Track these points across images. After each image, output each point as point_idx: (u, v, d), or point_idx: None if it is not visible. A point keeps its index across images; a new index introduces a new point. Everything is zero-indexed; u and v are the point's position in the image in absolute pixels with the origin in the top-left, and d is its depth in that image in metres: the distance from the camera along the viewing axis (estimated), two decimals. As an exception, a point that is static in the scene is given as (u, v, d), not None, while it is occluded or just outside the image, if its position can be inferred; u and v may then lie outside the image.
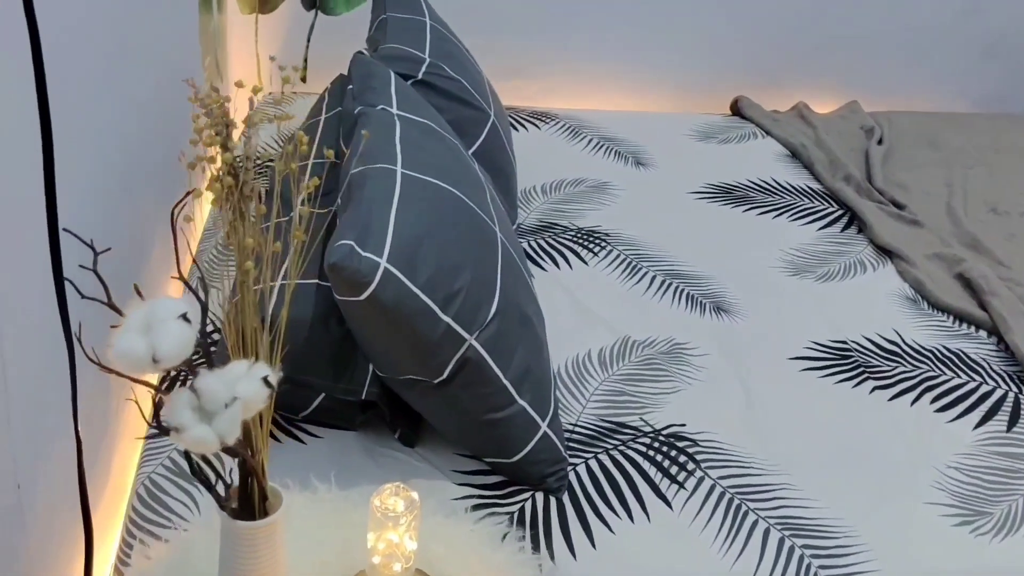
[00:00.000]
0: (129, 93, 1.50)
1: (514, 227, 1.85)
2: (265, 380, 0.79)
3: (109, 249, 0.84)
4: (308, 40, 2.53)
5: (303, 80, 2.58)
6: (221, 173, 0.86)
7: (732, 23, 2.71)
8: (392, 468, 1.39)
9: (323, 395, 1.41)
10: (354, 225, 1.21)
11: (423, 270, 1.21)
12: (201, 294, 0.84)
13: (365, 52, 1.68)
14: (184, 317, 0.74)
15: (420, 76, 1.76)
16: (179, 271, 0.88)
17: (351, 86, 1.58)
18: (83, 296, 0.79)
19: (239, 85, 0.98)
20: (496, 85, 2.63)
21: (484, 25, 2.60)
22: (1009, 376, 1.65)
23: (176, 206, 0.88)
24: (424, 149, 1.43)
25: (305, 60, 2.55)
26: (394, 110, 1.49)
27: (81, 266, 0.82)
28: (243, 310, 0.89)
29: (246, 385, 0.77)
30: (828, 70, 2.82)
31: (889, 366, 1.66)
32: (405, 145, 1.40)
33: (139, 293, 0.82)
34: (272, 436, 1.43)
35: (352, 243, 1.16)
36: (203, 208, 2.01)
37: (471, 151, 1.78)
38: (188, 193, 0.90)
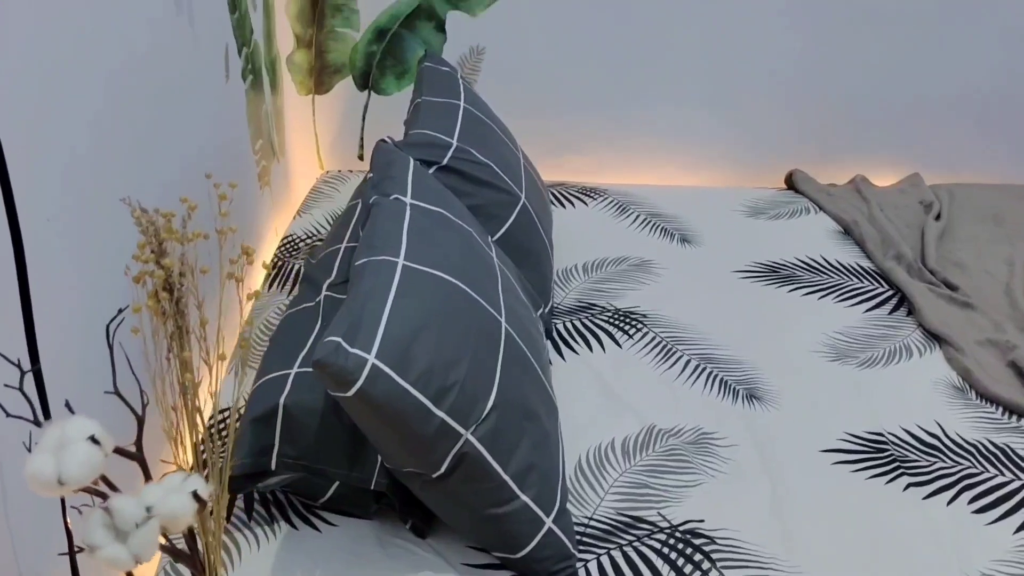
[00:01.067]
0: (170, 179, 1.56)
1: (546, 310, 1.83)
2: (195, 495, 0.79)
3: (38, 367, 0.86)
4: (363, 119, 2.59)
5: (360, 158, 2.65)
6: (157, 288, 0.88)
7: (789, 94, 2.67)
8: (402, 560, 1.38)
9: (338, 483, 1.42)
10: (345, 320, 1.22)
11: (415, 365, 1.21)
12: (139, 408, 0.85)
13: (389, 140, 1.71)
14: (93, 439, 0.75)
15: (445, 162, 1.78)
16: (114, 386, 0.89)
17: (371, 175, 1.61)
18: (8, 415, 0.81)
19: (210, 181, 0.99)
20: (547, 161, 2.65)
21: (537, 102, 2.63)
22: (1058, 474, 1.56)
23: (111, 322, 0.90)
24: (431, 240, 1.44)
25: (361, 139, 2.61)
26: (407, 199, 1.51)
27: (7, 385, 0.85)
28: (186, 419, 0.90)
29: (173, 500, 0.78)
30: (890, 141, 2.75)
31: (927, 461, 1.58)
32: (412, 236, 1.41)
33: (69, 408, 0.84)
34: (289, 523, 1.45)
35: (340, 339, 1.18)
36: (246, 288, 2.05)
37: (497, 235, 1.78)
38: (121, 310, 0.92)
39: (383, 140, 1.71)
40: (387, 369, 1.19)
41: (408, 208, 1.49)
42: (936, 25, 2.58)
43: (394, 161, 1.62)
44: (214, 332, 0.95)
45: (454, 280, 1.38)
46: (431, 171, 1.77)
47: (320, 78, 2.53)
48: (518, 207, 1.86)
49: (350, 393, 1.17)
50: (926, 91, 2.68)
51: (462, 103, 2.00)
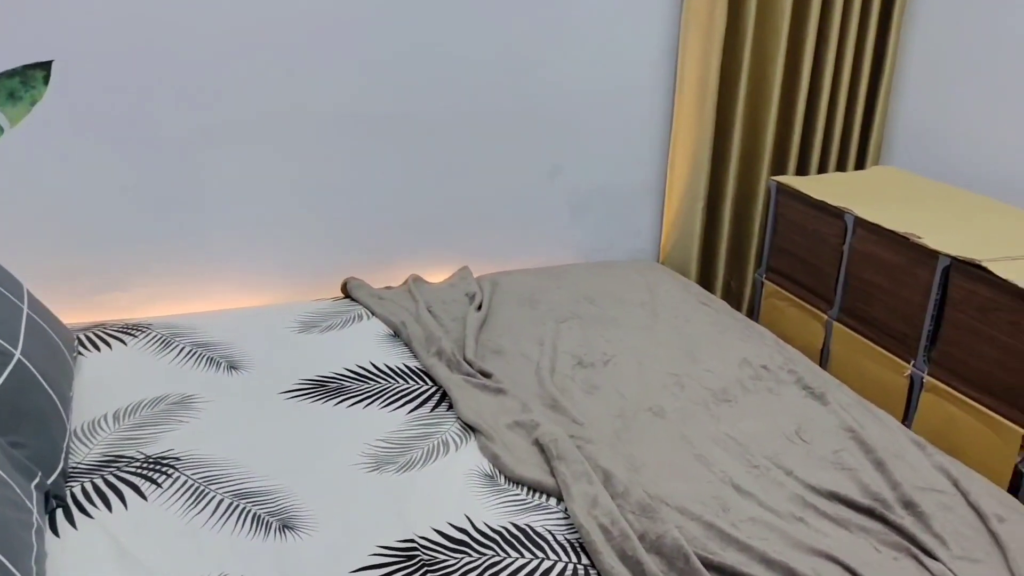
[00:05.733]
0: None
1: (50, 477, 1.67)
2: None
3: None
4: None
5: None
6: None
7: (339, 206, 2.72)
8: None
9: None
10: None
11: None
12: None
13: None
14: None
15: (-92, 332, 1.59)
16: None
17: None
18: None
19: None
20: (88, 301, 2.49)
21: (69, 243, 2.47)
22: (571, 545, 1.63)
23: None
24: None
25: None
26: None
27: None
28: None
29: None
30: (440, 239, 2.88)
31: (455, 559, 1.59)
32: None
33: None
34: None
35: None
36: None
37: (-17, 403, 1.61)
38: None
39: None
40: None
41: None
42: (452, 129, 2.76)
43: None
44: None
45: None
46: None
47: None
48: (10, 367, 1.70)
49: None
50: (469, 193, 2.84)
51: (-55, 260, 1.82)
